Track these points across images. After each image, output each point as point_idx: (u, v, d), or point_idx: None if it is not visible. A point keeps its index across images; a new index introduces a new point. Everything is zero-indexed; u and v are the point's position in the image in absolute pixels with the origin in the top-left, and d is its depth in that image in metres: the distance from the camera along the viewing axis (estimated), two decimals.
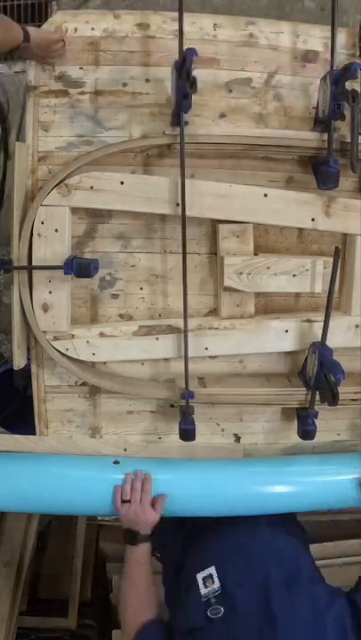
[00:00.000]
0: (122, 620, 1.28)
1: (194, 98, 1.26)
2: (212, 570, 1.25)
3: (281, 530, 1.40)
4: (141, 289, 1.46)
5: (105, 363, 1.47)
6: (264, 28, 1.39)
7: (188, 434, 1.40)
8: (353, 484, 1.39)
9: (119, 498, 1.32)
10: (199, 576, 1.25)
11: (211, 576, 1.24)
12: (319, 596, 1.19)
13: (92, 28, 1.35)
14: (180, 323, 1.38)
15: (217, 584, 1.22)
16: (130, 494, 1.32)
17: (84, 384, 1.48)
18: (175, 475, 1.41)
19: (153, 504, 1.32)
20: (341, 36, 1.39)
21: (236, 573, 1.24)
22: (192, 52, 1.20)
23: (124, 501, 1.32)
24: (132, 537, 1.31)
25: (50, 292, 1.37)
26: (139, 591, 1.28)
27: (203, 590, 1.22)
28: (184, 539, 1.45)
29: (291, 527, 1.47)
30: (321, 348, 1.36)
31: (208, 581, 1.23)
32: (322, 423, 1.47)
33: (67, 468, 1.40)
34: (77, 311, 1.46)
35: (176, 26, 1.28)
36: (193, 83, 1.24)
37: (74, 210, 1.37)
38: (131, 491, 1.32)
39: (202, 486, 1.39)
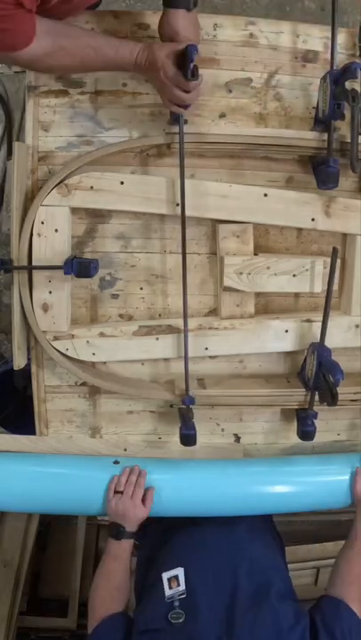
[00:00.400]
0: (89, 608, 1.28)
1: None
2: (178, 571, 1.23)
3: (259, 539, 1.38)
4: (141, 289, 1.46)
5: (105, 363, 1.47)
6: (264, 28, 1.38)
7: (188, 439, 1.39)
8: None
9: (113, 487, 1.33)
10: (165, 575, 1.23)
11: (176, 577, 1.22)
12: (285, 615, 1.15)
13: (92, 29, 1.35)
14: (180, 323, 1.38)
15: (182, 587, 1.21)
16: (124, 486, 1.32)
17: (84, 384, 1.47)
18: (175, 475, 1.41)
19: (143, 500, 1.32)
20: (341, 36, 1.38)
21: (204, 580, 1.22)
22: (193, 47, 1.18)
23: (116, 492, 1.32)
24: (117, 531, 1.30)
25: (50, 292, 1.37)
26: (111, 584, 1.27)
27: (167, 591, 1.21)
28: (160, 532, 1.43)
29: (269, 537, 1.46)
30: (319, 349, 1.36)
31: (173, 582, 1.22)
32: (322, 423, 1.47)
33: (66, 467, 1.41)
34: (77, 311, 1.46)
35: None
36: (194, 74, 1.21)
37: (74, 210, 1.37)
38: (125, 483, 1.32)
39: (202, 486, 1.39)
